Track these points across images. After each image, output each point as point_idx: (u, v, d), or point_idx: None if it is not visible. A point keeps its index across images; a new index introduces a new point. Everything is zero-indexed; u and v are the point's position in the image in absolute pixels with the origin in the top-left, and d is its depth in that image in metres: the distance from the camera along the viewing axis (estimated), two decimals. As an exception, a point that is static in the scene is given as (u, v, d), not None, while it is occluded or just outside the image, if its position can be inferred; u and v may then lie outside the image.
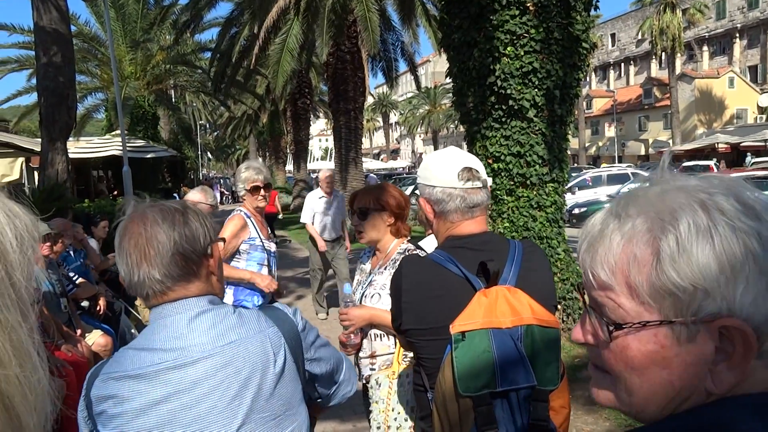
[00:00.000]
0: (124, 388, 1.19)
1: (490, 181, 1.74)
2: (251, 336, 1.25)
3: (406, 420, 2.24)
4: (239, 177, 3.56)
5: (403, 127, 72.61)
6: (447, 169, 1.71)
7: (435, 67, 66.38)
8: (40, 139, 10.02)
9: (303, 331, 1.35)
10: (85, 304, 4.99)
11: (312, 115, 29.97)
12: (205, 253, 1.28)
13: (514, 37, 5.45)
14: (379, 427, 2.30)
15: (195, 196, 3.98)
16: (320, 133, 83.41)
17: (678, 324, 0.62)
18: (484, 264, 1.56)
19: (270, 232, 4.03)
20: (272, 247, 3.62)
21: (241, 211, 3.54)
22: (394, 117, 76.29)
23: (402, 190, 2.68)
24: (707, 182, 0.64)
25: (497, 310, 1.52)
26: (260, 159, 47.70)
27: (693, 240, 0.61)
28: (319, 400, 1.50)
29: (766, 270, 0.58)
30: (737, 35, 43.39)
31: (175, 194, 11.92)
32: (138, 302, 3.90)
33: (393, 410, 2.26)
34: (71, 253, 5.17)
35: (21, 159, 12.02)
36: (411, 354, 2.31)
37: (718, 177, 0.65)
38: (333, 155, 18.39)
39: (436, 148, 60.05)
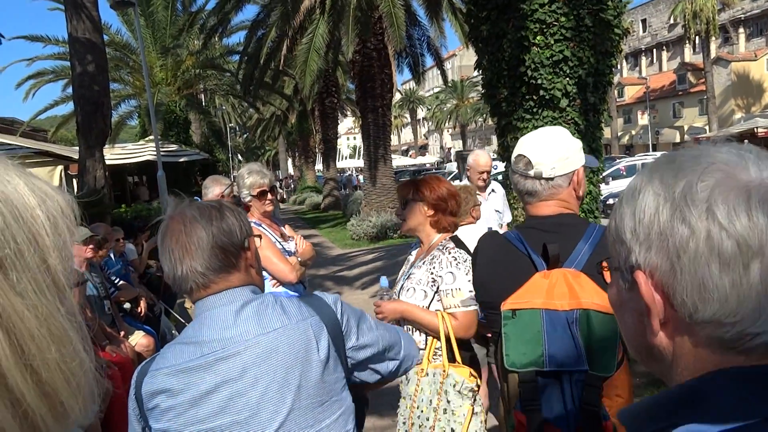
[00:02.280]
0: (175, 381, 1.22)
1: (552, 171, 1.70)
2: (294, 324, 1.28)
3: (427, 419, 2.23)
4: (243, 183, 3.30)
5: (430, 123, 72.33)
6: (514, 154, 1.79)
7: (461, 60, 65.90)
8: (77, 147, 10.28)
9: (343, 319, 1.36)
10: (126, 306, 5.11)
11: (340, 114, 30.07)
12: (243, 246, 1.33)
13: (544, 26, 5.37)
14: (404, 423, 2.32)
15: (213, 191, 3.94)
16: (348, 131, 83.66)
17: (619, 271, 0.69)
18: (546, 246, 1.60)
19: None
20: (290, 246, 3.47)
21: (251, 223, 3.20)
22: (421, 113, 76.07)
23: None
24: (692, 152, 0.66)
25: (555, 292, 1.53)
26: (289, 159, 48.11)
27: (627, 198, 0.68)
28: (380, 378, 1.50)
29: (671, 234, 0.61)
30: (774, 15, 41.93)
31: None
32: (188, 305, 3.93)
33: (417, 408, 2.26)
34: (112, 257, 5.29)
35: (60, 167, 12.37)
36: (440, 352, 2.31)
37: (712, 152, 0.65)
38: (362, 153, 18.41)
39: (464, 143, 59.58)
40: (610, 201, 15.79)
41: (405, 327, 2.42)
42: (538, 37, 5.38)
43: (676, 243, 0.61)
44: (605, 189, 16.08)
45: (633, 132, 46.70)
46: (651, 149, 38.53)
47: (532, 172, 1.70)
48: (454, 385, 2.20)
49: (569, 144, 1.74)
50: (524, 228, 1.77)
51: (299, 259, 3.33)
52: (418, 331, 2.38)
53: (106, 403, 3.49)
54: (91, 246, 4.26)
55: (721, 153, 0.63)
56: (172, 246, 1.29)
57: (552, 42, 5.37)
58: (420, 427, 2.23)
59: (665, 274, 0.63)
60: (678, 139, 42.26)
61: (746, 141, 27.12)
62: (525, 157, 1.72)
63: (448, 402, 2.19)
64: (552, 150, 1.70)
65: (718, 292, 0.59)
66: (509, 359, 1.54)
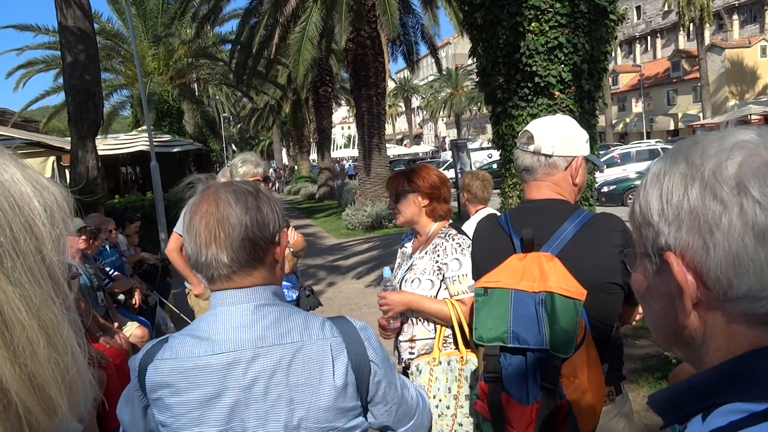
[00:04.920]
0: (181, 378, 1.16)
1: (552, 149, 1.77)
2: (313, 341, 1.19)
3: (447, 407, 2.22)
4: (236, 172, 3.31)
5: (425, 112, 72.17)
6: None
7: (456, 49, 65.64)
8: (69, 138, 10.20)
9: (369, 347, 1.25)
10: (121, 297, 5.09)
11: (334, 103, 29.94)
12: (273, 240, 1.24)
13: (539, 12, 5.33)
14: None
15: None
16: (342, 120, 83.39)
17: (646, 255, 0.69)
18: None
19: None
20: None
21: None
22: (416, 101, 75.85)
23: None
24: (719, 134, 0.66)
25: (527, 274, 1.62)
26: (283, 149, 47.88)
27: (651, 182, 0.68)
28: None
29: (703, 212, 0.61)
30: (768, 1, 41.90)
31: None
32: (191, 303, 3.91)
33: (434, 397, 2.25)
34: (107, 247, 5.26)
35: (52, 158, 12.29)
36: (450, 340, 2.31)
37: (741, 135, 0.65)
38: (356, 142, 18.34)
39: (459, 132, 59.42)
40: (605, 189, 15.82)
41: (412, 318, 2.39)
42: (533, 24, 5.34)
43: (709, 220, 0.61)
44: (599, 177, 16.10)
45: (627, 120, 46.73)
46: (645, 137, 38.57)
47: (531, 147, 1.78)
48: (475, 371, 2.19)
49: (575, 131, 1.81)
50: (514, 211, 1.87)
51: (291, 249, 3.34)
52: (426, 321, 2.36)
53: (100, 394, 3.48)
54: (83, 236, 4.23)
55: (742, 133, 0.64)
56: (200, 229, 1.18)
57: (547, 28, 5.34)
58: (440, 416, 2.22)
59: (697, 252, 0.62)
60: (672, 127, 42.32)
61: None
62: (528, 132, 1.80)
63: (471, 388, 2.18)
64: (555, 131, 1.78)
65: (754, 265, 0.59)
66: (477, 333, 1.65)
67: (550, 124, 1.81)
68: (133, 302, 5.16)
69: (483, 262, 1.82)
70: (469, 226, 3.93)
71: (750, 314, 0.61)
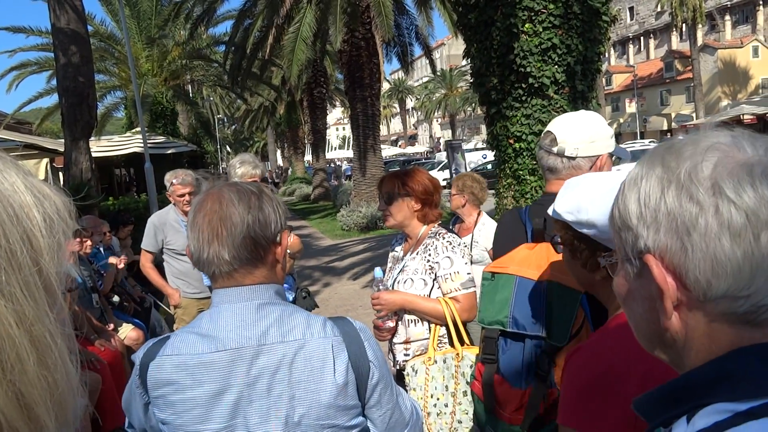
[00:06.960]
0: (185, 375, 1.17)
1: (575, 151, 1.77)
2: (315, 339, 1.21)
3: (446, 405, 2.23)
4: (234, 173, 3.33)
5: (420, 113, 72.23)
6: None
7: (450, 50, 65.76)
8: (63, 140, 10.15)
9: (368, 348, 1.25)
10: (115, 299, 5.06)
11: (329, 104, 29.94)
12: (275, 240, 1.26)
13: (532, 14, 5.35)
14: None
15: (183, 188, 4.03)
16: (337, 122, 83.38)
17: (626, 258, 0.68)
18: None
19: None
20: None
21: None
22: (410, 102, 75.89)
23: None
24: (692, 137, 0.67)
25: (534, 263, 1.66)
26: (278, 151, 47.77)
27: (629, 186, 0.68)
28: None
29: (680, 213, 0.62)
30: (761, 2, 42.15)
31: None
32: (171, 310, 3.93)
33: (432, 396, 2.25)
34: (101, 250, 5.24)
35: (45, 160, 12.21)
36: (445, 339, 2.32)
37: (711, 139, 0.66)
38: (351, 143, 18.35)
39: (453, 133, 59.47)
40: (599, 189, 15.85)
41: (407, 318, 2.38)
42: (526, 25, 5.37)
43: (686, 221, 0.62)
44: (594, 177, 16.09)
45: (621, 120, 46.89)
46: (639, 137, 38.73)
47: (555, 149, 1.78)
48: (472, 366, 2.19)
49: (598, 129, 1.80)
50: (535, 203, 1.93)
51: (288, 251, 3.36)
52: (420, 321, 2.36)
53: (95, 398, 3.46)
54: (78, 239, 4.21)
55: (717, 136, 0.65)
56: (203, 226, 1.22)
57: (540, 29, 5.36)
58: (438, 414, 2.22)
59: (676, 254, 0.63)
60: (665, 127, 42.50)
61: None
62: (552, 133, 1.80)
63: (468, 383, 2.18)
64: (579, 131, 1.77)
65: (731, 265, 0.59)
66: (480, 315, 1.71)
67: (573, 123, 1.79)
68: (128, 304, 5.13)
69: (500, 249, 1.87)
70: (482, 230, 3.97)
71: (730, 314, 0.61)
